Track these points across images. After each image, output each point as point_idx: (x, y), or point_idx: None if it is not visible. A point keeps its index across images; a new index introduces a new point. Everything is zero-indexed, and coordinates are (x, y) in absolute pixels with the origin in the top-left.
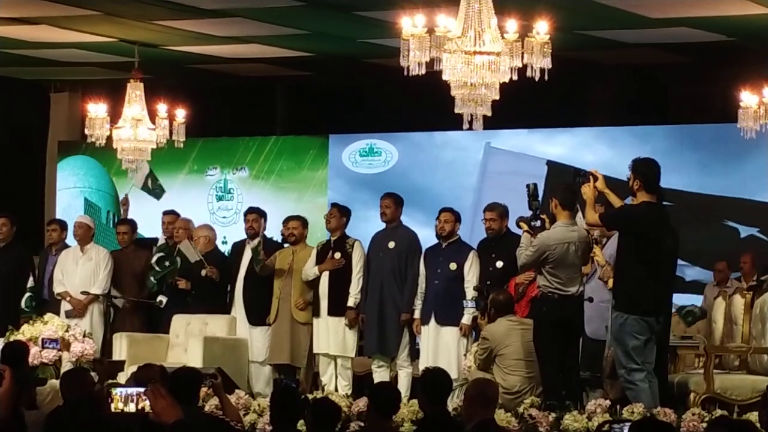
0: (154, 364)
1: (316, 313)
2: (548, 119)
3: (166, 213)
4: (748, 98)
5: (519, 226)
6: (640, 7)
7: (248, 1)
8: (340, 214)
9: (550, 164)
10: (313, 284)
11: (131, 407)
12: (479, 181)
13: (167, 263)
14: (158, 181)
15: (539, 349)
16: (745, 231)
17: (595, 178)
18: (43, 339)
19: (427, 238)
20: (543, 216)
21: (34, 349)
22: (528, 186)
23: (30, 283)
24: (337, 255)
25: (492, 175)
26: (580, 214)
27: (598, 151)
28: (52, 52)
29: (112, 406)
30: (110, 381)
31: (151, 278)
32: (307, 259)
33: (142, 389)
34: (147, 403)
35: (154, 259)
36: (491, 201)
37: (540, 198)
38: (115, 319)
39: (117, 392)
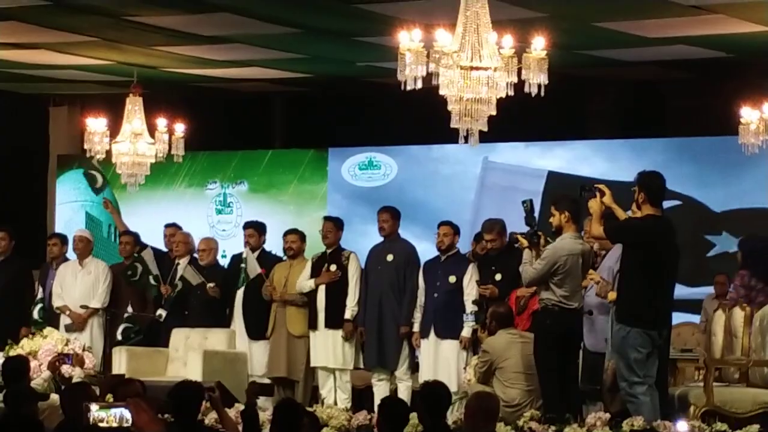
0: (134, 380)
1: (313, 326)
2: (546, 133)
3: (167, 226)
4: (748, 114)
5: (516, 240)
6: (637, 28)
7: (247, 28)
8: (336, 227)
9: (551, 175)
10: (309, 297)
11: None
12: (477, 195)
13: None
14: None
15: (540, 362)
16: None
17: (602, 193)
18: (59, 354)
19: (426, 251)
20: (540, 233)
21: (33, 363)
22: (524, 203)
23: (39, 294)
24: (333, 267)
25: (490, 189)
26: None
27: (596, 164)
28: (51, 72)
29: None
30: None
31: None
32: None
33: (124, 408)
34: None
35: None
36: (489, 216)
37: (536, 214)
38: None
39: (103, 414)
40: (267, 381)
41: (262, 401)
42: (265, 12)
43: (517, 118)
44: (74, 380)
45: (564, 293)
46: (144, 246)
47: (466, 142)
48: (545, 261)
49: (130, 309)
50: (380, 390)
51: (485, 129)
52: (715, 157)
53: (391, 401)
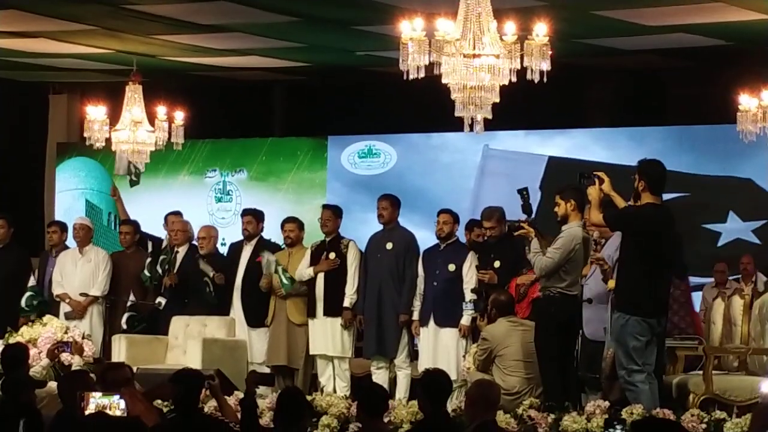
0: (123, 364)
1: (311, 314)
2: (546, 121)
3: (170, 214)
4: (746, 101)
5: (518, 229)
6: (636, 16)
7: (246, 17)
8: (335, 215)
9: (551, 161)
10: (308, 285)
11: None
12: (477, 183)
13: (159, 270)
14: (138, 170)
15: (543, 350)
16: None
17: (601, 181)
18: (57, 342)
19: (425, 239)
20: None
21: (33, 351)
22: (521, 191)
23: (31, 282)
24: (332, 255)
25: (490, 176)
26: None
27: (596, 153)
28: (51, 61)
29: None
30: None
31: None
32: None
33: (119, 398)
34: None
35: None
36: (488, 204)
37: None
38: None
39: (106, 401)
40: (267, 370)
41: (262, 389)
42: (264, 0)
43: (516, 107)
44: (73, 368)
45: (571, 280)
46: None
47: (471, 130)
48: (561, 249)
49: (132, 297)
50: (379, 378)
51: (489, 116)
52: (715, 145)
53: (369, 387)
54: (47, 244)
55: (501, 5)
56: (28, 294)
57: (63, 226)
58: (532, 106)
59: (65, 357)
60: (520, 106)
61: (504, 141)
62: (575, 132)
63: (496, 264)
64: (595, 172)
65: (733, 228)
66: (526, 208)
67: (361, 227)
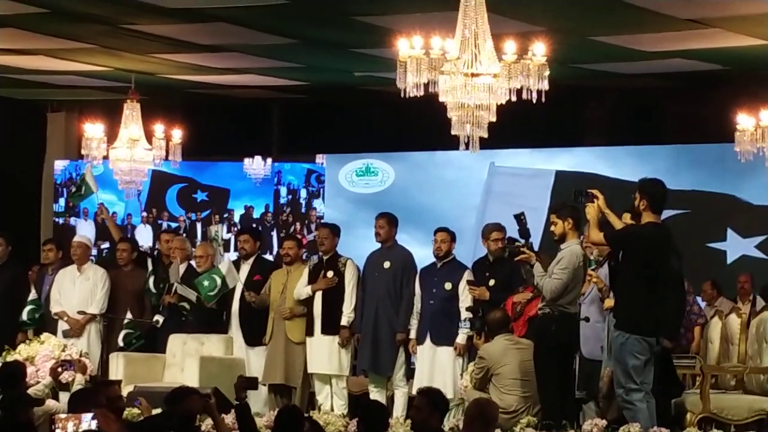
0: (114, 382)
1: (309, 333)
2: (550, 139)
3: (162, 232)
4: (744, 121)
5: (517, 254)
6: (634, 42)
7: (244, 38)
8: (332, 234)
9: (558, 175)
10: (306, 303)
11: None
12: (484, 200)
13: (161, 285)
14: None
15: (542, 369)
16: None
17: (596, 198)
18: (62, 361)
19: (428, 257)
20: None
21: (30, 369)
22: (519, 217)
23: (32, 295)
24: (330, 274)
25: (497, 194)
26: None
27: (600, 171)
28: (49, 78)
29: None
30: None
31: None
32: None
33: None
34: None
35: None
36: (494, 221)
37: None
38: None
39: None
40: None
41: (259, 407)
42: (262, 22)
43: (520, 125)
44: (75, 386)
45: (571, 298)
46: (144, 252)
47: (467, 148)
48: (568, 269)
49: (129, 315)
50: (376, 398)
51: (486, 135)
52: (715, 164)
53: (371, 405)
54: (42, 261)
55: (500, 30)
56: (29, 307)
57: (59, 244)
58: (536, 123)
59: (64, 376)
60: (524, 123)
61: (508, 159)
62: (579, 150)
63: (491, 282)
64: (589, 190)
65: (737, 245)
66: (524, 232)
67: (362, 244)
